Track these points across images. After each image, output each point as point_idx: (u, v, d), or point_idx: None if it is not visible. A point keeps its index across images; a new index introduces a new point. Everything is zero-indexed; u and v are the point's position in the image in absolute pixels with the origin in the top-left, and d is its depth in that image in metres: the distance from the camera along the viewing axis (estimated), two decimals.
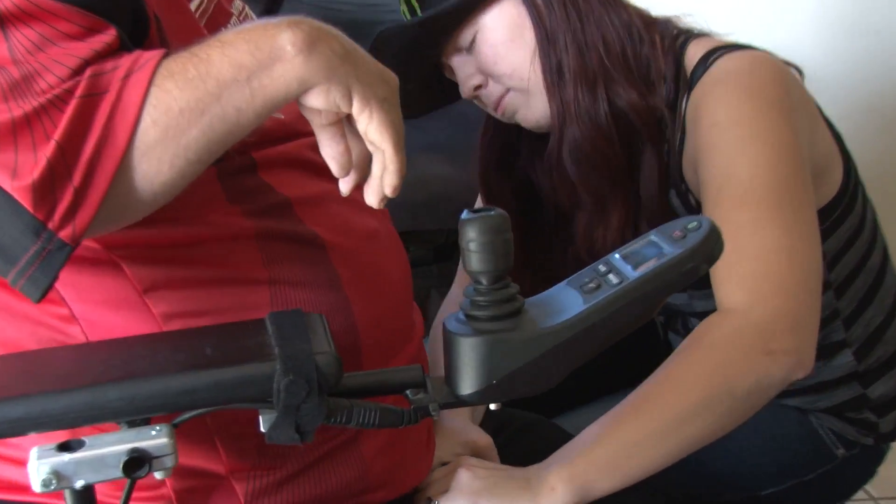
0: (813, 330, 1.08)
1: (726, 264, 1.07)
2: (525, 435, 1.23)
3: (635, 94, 1.20)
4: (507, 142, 1.38)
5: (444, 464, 1.08)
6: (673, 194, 1.24)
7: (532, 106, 1.26)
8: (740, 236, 1.08)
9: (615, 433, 1.03)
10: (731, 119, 1.14)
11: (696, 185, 1.19)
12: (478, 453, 1.11)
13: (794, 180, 1.12)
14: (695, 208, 1.22)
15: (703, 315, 1.11)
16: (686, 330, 1.39)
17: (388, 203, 0.83)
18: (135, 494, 0.77)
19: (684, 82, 1.21)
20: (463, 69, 1.28)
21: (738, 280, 1.08)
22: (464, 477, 1.02)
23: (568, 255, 1.35)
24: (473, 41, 1.25)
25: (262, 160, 0.92)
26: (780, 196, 1.11)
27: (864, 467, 1.40)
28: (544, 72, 1.21)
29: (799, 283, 1.08)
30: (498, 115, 1.31)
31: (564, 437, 1.11)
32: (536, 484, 1.01)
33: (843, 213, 1.29)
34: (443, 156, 2.16)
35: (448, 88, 1.34)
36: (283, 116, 0.94)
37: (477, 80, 1.28)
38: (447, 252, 2.18)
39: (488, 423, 1.21)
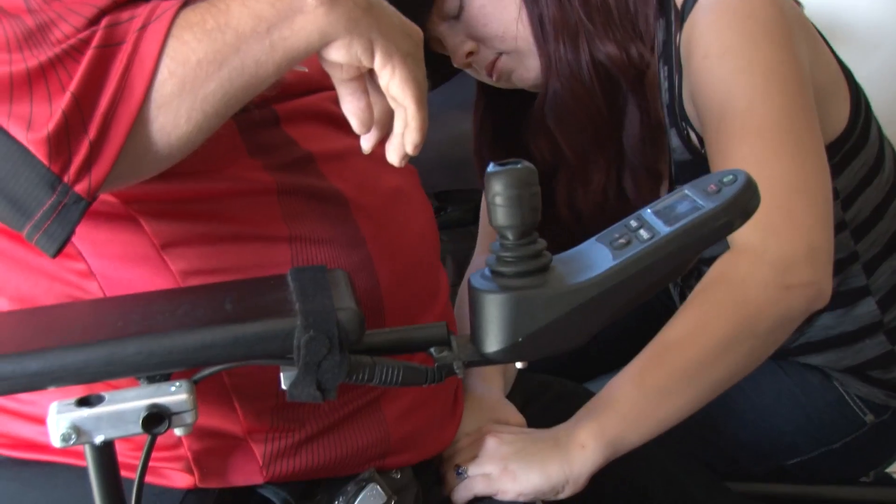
0: (828, 258, 1.05)
1: None
2: (561, 403, 1.21)
3: (616, 47, 1.17)
4: (500, 115, 1.37)
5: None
6: (673, 134, 1.21)
7: (527, 66, 1.25)
8: (751, 169, 1.05)
9: (641, 383, 1.01)
10: (722, 48, 1.10)
11: (697, 120, 1.16)
12: None
13: (794, 107, 1.08)
14: (695, 145, 1.18)
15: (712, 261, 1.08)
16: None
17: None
18: (153, 455, 0.76)
19: (677, 17, 1.17)
20: (452, 37, 1.27)
21: None
22: (491, 443, 1.01)
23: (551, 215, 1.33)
24: (461, 6, 1.23)
25: (285, 113, 0.90)
26: (780, 125, 1.07)
27: None
28: (532, 27, 1.20)
29: (810, 213, 1.05)
30: (493, 81, 1.30)
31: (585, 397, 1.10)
32: (566, 443, 0.99)
33: (853, 149, 1.24)
34: None
35: (438, 65, 1.32)
36: (306, 69, 0.92)
37: (468, 47, 1.26)
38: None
39: (522, 391, 1.19)
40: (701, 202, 0.77)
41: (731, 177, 0.77)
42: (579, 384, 1.27)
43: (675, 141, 1.21)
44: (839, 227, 1.25)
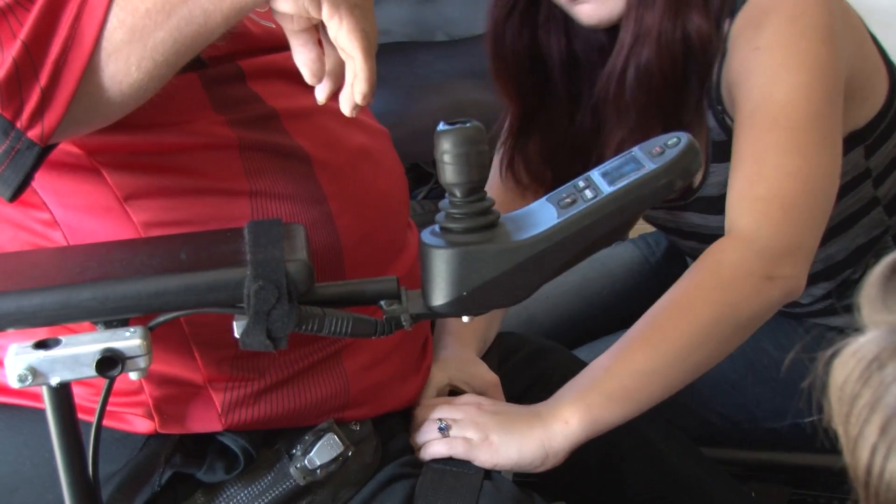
0: (810, 258, 1.08)
1: (744, 183, 1.08)
2: (537, 359, 1.23)
3: (706, 22, 1.17)
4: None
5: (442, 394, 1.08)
6: (710, 115, 1.22)
7: (606, 3, 1.20)
8: (764, 159, 1.08)
9: (626, 363, 1.03)
10: (773, 42, 1.12)
11: (731, 106, 1.17)
12: (483, 390, 1.10)
13: (827, 110, 1.11)
14: (730, 127, 1.19)
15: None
16: None
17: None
18: (113, 400, 0.79)
19: (728, 3, 1.18)
20: None
21: (750, 201, 1.08)
22: (472, 410, 1.03)
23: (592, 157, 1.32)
24: None
25: (251, 69, 0.92)
26: (811, 125, 1.09)
27: None
28: None
29: (809, 211, 1.08)
30: None
31: (577, 365, 1.11)
32: (548, 418, 1.00)
33: (888, 128, 1.26)
34: (483, 81, 2.14)
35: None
36: (273, 25, 0.94)
37: None
38: None
39: (497, 349, 1.21)
40: (645, 163, 0.79)
41: (674, 139, 0.79)
42: (555, 342, 1.28)
43: (711, 121, 1.22)
44: (871, 203, 1.28)
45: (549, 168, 1.36)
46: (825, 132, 1.10)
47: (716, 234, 1.26)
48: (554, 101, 1.34)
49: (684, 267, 1.54)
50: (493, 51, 1.32)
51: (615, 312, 1.49)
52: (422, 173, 2.31)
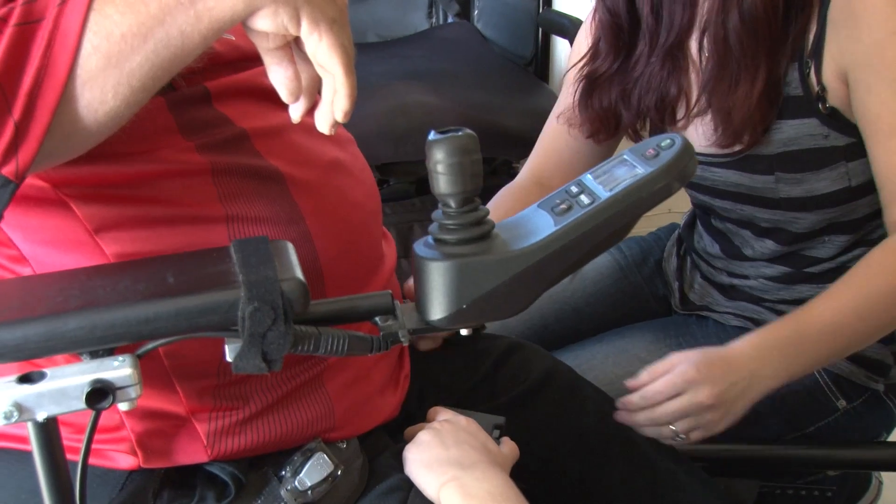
0: None
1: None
2: (510, 356, 1.21)
3: None
4: None
5: None
6: (794, 67, 1.21)
7: None
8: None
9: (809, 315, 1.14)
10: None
11: (833, 74, 1.18)
12: None
13: None
14: (812, 84, 1.20)
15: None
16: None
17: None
18: (95, 439, 0.75)
19: None
20: None
21: None
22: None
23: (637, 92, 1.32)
24: None
25: (217, 90, 0.89)
26: None
27: (871, 423, 1.39)
28: None
29: None
30: None
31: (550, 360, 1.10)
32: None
33: None
34: (424, 84, 2.13)
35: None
36: (233, 38, 0.91)
37: None
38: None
39: (469, 351, 1.19)
40: (639, 167, 0.78)
41: (668, 141, 0.79)
42: (526, 341, 1.27)
43: (792, 74, 1.21)
44: None
45: (617, 114, 1.35)
46: None
47: (758, 194, 1.26)
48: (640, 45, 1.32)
49: (656, 273, 1.55)
50: None
51: (586, 317, 1.49)
52: None
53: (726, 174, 1.28)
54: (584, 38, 1.39)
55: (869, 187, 1.24)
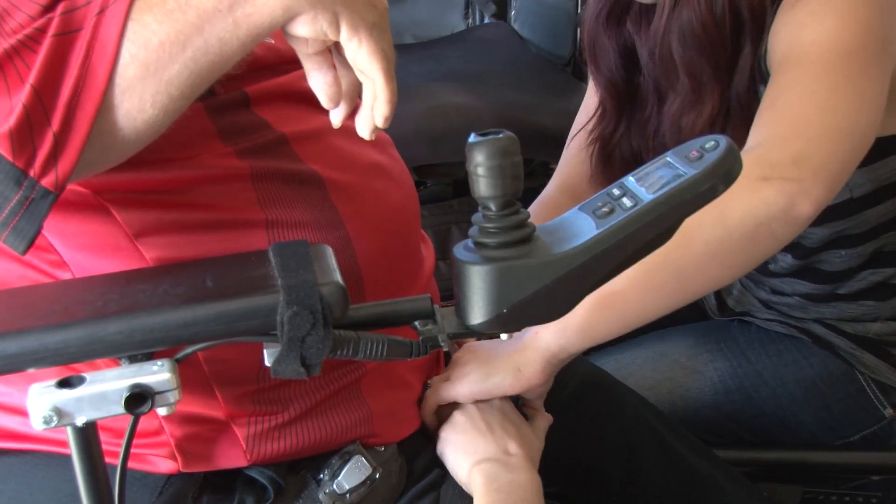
0: (827, 173, 0.97)
1: (758, 115, 1.03)
2: None
3: None
4: None
5: None
6: (761, 90, 1.20)
7: None
8: (781, 91, 1.04)
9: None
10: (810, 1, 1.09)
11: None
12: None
13: (859, 55, 1.05)
14: None
15: None
16: None
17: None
18: (134, 442, 0.75)
19: None
20: None
21: (759, 124, 1.03)
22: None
23: (657, 137, 1.31)
24: None
25: (256, 94, 0.89)
26: (835, 62, 1.03)
27: None
28: None
29: (820, 129, 0.99)
30: None
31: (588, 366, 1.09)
32: (521, 338, 0.99)
33: None
34: (461, 85, 2.12)
35: None
36: (273, 41, 0.91)
37: None
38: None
39: None
40: (683, 169, 0.76)
41: (712, 143, 0.77)
42: None
43: (762, 91, 1.20)
44: None
45: (622, 117, 1.36)
46: (853, 73, 1.03)
47: None
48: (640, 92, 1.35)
49: None
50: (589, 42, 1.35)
51: None
52: None
53: None
54: (592, 99, 1.42)
55: (872, 198, 1.20)
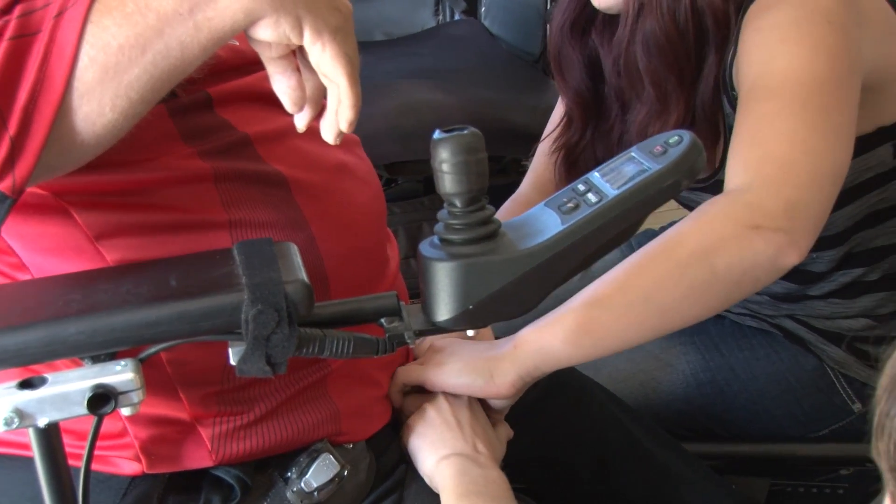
0: (812, 217, 0.99)
1: (741, 148, 1.03)
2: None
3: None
4: (584, 8, 1.32)
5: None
6: (725, 101, 1.20)
7: None
8: (761, 125, 1.03)
9: (589, 298, 0.97)
10: (775, 23, 1.09)
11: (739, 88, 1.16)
12: None
13: (831, 86, 1.05)
14: None
15: None
16: None
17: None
18: (98, 444, 0.75)
19: None
20: None
21: (744, 162, 1.02)
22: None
23: (621, 146, 1.32)
24: None
25: (219, 95, 0.88)
26: (810, 95, 1.03)
27: None
28: None
29: (808, 175, 1.00)
30: None
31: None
32: (502, 342, 0.99)
33: None
34: (432, 82, 2.12)
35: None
36: (236, 43, 0.90)
37: None
38: None
39: None
40: (647, 164, 0.77)
41: (676, 138, 0.77)
42: None
43: (727, 106, 1.20)
44: None
45: (588, 127, 1.37)
46: (828, 106, 1.04)
47: None
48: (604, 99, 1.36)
49: None
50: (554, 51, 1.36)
51: None
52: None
53: (706, 198, 1.27)
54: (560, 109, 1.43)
55: (837, 202, 1.21)
